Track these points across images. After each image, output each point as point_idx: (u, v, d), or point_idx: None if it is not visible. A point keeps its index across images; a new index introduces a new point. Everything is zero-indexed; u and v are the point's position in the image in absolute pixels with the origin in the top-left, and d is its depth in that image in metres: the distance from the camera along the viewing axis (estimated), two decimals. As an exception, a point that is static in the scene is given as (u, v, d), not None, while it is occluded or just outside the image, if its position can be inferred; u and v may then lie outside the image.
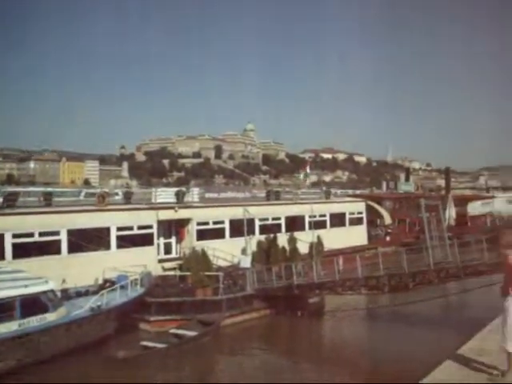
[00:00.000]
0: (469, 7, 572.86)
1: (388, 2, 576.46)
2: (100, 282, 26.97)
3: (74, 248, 28.79)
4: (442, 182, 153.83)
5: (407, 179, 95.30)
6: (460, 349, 6.62)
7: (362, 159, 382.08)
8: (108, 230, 30.85)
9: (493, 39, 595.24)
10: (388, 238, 54.40)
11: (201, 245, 32.39)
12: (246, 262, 31.70)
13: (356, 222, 50.99)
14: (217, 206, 38.43)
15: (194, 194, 39.20)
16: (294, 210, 43.48)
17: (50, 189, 41.25)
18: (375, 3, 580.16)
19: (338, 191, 71.86)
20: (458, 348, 6.69)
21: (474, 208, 62.71)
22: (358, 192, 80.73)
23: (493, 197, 78.62)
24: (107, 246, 30.67)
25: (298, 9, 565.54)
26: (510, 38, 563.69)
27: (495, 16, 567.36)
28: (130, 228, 31.83)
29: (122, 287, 24.82)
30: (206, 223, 36.51)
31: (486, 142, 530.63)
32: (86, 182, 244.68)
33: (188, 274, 29.11)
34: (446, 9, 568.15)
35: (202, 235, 35.50)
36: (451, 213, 56.32)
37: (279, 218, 41.81)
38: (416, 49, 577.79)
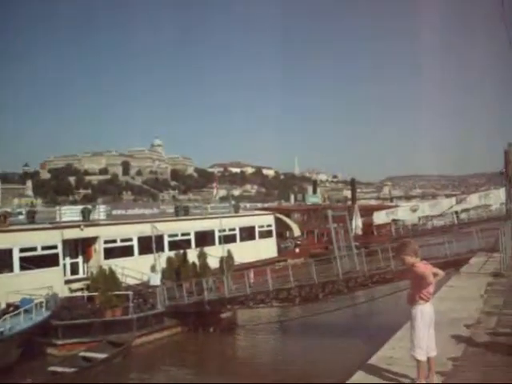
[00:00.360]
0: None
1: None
2: (2, 306, 25.79)
3: (-27, 272, 27.55)
4: (348, 193, 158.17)
5: (314, 191, 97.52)
6: (370, 359, 6.62)
7: (270, 172, 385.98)
8: (10, 251, 29.69)
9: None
10: (297, 250, 55.25)
11: (109, 263, 31.66)
12: (156, 280, 31.32)
13: (265, 234, 51.38)
14: (124, 223, 37.87)
15: (100, 211, 38.48)
16: (203, 225, 43.33)
17: None
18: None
19: (247, 205, 72.54)
20: (368, 358, 6.70)
21: (379, 217, 64.54)
22: (266, 205, 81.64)
23: (396, 206, 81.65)
24: (10, 269, 29.51)
25: (206, 18, 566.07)
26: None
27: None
28: (34, 249, 30.75)
29: (27, 311, 23.92)
30: (114, 241, 35.80)
31: (390, 153, 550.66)
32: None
33: (96, 294, 28.35)
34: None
35: (110, 253, 34.79)
36: (358, 223, 58.14)
37: (188, 234, 41.57)
38: (317, 61, 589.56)
